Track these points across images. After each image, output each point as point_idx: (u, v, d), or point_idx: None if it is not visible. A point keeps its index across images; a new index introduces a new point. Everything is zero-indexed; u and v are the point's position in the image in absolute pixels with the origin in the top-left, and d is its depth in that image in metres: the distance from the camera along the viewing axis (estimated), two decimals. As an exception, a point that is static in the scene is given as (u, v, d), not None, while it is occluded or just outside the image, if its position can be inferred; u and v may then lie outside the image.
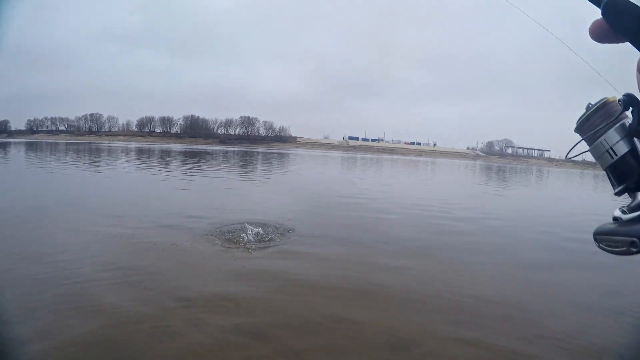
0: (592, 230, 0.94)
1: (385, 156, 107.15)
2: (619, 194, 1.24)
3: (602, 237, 0.97)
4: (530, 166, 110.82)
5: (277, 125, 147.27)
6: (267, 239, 9.24)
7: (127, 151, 59.45)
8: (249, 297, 6.08)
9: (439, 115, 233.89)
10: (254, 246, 8.65)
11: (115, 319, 5.07)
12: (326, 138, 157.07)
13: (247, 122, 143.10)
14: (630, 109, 0.96)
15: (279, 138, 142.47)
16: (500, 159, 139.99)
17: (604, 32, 0.93)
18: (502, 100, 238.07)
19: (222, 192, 18.37)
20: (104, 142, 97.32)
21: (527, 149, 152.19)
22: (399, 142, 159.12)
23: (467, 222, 13.41)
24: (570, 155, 1.24)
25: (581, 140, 1.14)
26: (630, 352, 5.35)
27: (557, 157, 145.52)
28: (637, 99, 0.93)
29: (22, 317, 5.07)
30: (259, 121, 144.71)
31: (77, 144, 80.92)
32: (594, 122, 1.09)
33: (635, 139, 0.98)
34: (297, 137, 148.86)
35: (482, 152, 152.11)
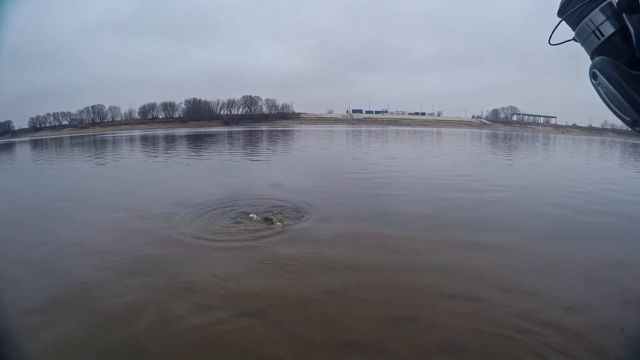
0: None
1: (390, 127, 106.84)
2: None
3: None
4: (536, 133, 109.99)
5: (279, 102, 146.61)
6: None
7: (131, 140, 59.57)
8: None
9: (443, 84, 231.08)
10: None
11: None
12: (330, 112, 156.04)
13: (250, 101, 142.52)
14: None
15: (283, 115, 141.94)
16: (506, 126, 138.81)
17: None
18: (506, 68, 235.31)
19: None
20: (108, 133, 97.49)
21: (533, 115, 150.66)
22: (403, 113, 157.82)
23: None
24: (552, 42, 1.23)
25: (560, 21, 1.12)
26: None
27: (564, 124, 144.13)
28: None
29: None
30: (261, 99, 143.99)
31: (81, 136, 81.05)
32: (577, 1, 1.04)
33: (624, 15, 0.94)
34: (301, 113, 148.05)
35: (487, 120, 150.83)
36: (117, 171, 22.05)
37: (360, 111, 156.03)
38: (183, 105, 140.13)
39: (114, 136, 75.43)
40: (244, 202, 11.13)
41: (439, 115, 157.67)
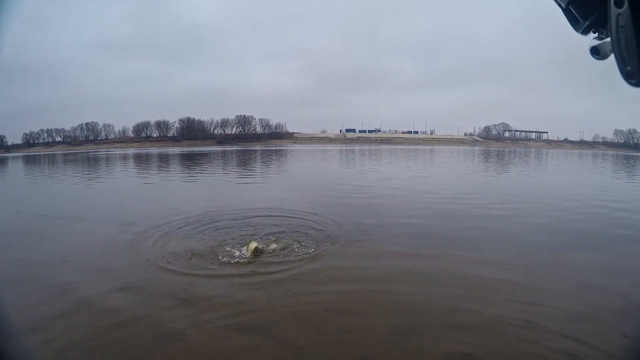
0: None
1: (384, 146, 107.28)
2: (585, 31, 1.23)
3: None
4: (529, 149, 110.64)
5: (273, 122, 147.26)
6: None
7: (126, 158, 59.45)
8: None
9: (434, 103, 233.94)
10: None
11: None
12: (323, 132, 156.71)
13: (243, 120, 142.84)
14: None
15: (276, 135, 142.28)
16: (499, 142, 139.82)
17: None
18: (496, 85, 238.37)
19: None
20: (102, 150, 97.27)
21: (525, 131, 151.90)
22: (396, 132, 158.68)
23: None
24: None
25: None
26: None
27: (555, 139, 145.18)
28: None
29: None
30: (255, 119, 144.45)
31: (75, 154, 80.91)
32: None
33: None
34: (294, 133, 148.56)
35: (479, 137, 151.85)
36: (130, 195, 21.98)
37: (353, 130, 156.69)
38: (177, 124, 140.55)
39: (107, 154, 75.32)
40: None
41: (431, 133, 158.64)
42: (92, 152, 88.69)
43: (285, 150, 79.78)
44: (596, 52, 1.21)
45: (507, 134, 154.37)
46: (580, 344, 4.93)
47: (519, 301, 6.25)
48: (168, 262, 8.00)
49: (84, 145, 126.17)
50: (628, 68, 1.04)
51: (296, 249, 8.76)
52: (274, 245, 8.91)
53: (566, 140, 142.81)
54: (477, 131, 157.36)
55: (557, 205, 15.18)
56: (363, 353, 4.84)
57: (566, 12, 1.27)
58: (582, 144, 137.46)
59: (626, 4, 0.91)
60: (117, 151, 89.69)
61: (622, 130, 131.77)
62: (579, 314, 5.82)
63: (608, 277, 7.49)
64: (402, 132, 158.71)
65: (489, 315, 5.73)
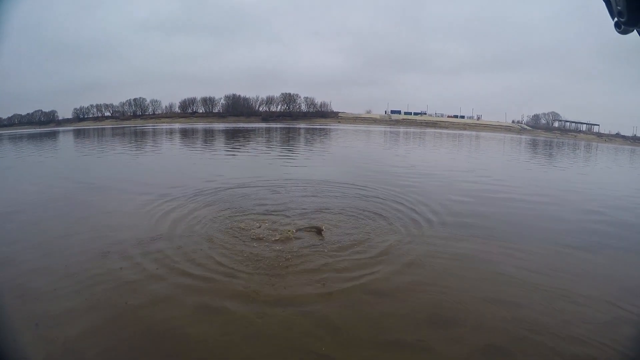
0: None
1: (429, 130, 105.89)
2: (630, 22, 1.26)
3: None
4: (578, 141, 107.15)
5: (318, 100, 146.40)
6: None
7: (186, 133, 60.49)
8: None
9: (481, 87, 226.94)
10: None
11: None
12: (368, 112, 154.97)
13: (288, 98, 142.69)
14: None
15: (321, 114, 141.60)
16: (547, 132, 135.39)
17: None
18: (544, 72, 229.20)
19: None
20: (149, 125, 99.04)
21: (575, 122, 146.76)
22: (442, 115, 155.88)
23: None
24: None
25: None
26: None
27: (607, 132, 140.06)
28: None
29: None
30: (300, 97, 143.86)
31: (122, 128, 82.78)
32: None
33: None
34: (339, 112, 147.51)
35: (527, 125, 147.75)
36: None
37: (398, 112, 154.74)
38: (222, 101, 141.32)
39: (154, 128, 76.85)
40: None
41: (478, 118, 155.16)
42: (140, 126, 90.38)
43: (329, 129, 79.46)
44: (618, 26, 1.32)
45: (556, 124, 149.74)
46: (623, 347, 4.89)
47: (558, 297, 6.19)
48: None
49: (132, 120, 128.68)
50: (619, 7, 1.19)
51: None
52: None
53: (618, 135, 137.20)
54: (525, 119, 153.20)
55: None
56: (399, 337, 4.86)
57: (606, 1, 1.33)
58: (634, 139, 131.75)
59: None
60: (164, 126, 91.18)
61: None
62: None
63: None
64: (448, 116, 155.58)
65: (526, 310, 5.71)
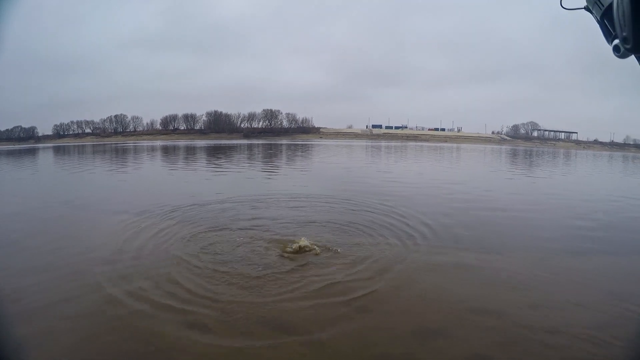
0: None
1: (410, 143, 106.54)
2: (634, 49, 1.28)
3: None
4: (558, 149, 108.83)
5: (300, 116, 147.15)
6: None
7: (168, 150, 60.10)
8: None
9: (461, 100, 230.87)
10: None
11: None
12: (349, 127, 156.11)
13: (270, 114, 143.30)
14: None
15: (303, 129, 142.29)
16: (527, 142, 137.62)
17: None
18: (523, 84, 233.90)
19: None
20: (130, 142, 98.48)
21: (554, 131, 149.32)
22: (423, 129, 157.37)
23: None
24: (565, 6, 1.38)
25: None
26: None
27: (585, 139, 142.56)
28: None
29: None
30: (281, 113, 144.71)
31: (103, 145, 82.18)
32: None
33: None
34: (321, 128, 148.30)
35: (507, 136, 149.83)
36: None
37: (379, 126, 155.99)
38: (204, 118, 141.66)
39: (135, 145, 76.36)
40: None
41: (458, 131, 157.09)
42: (120, 144, 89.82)
43: (311, 145, 79.72)
44: (617, 50, 1.32)
45: (535, 134, 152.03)
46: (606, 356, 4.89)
47: (544, 305, 6.19)
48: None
49: (113, 137, 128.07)
50: (624, 34, 1.18)
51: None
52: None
53: (596, 142, 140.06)
54: (505, 130, 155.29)
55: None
56: (385, 351, 4.79)
57: (601, 24, 1.36)
58: (612, 145, 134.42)
59: None
60: (145, 143, 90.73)
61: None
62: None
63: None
64: (429, 129, 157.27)
65: (513, 318, 5.71)
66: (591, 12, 1.38)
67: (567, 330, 5.37)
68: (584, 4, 1.33)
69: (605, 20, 1.30)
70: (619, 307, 6.20)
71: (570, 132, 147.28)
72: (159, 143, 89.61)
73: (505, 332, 5.32)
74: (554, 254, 8.85)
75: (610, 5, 1.21)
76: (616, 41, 1.33)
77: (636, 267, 8.50)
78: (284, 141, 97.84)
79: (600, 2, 1.21)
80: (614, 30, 1.29)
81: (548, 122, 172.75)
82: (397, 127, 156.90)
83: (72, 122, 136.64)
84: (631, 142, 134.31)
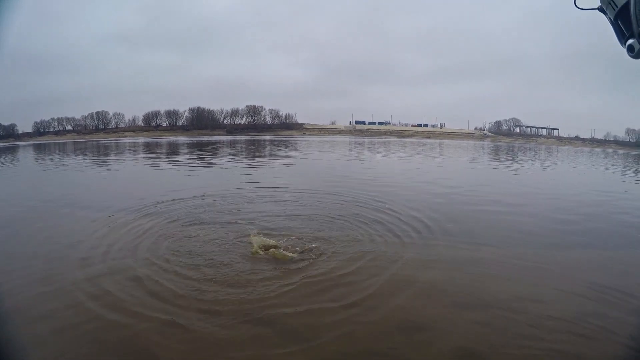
0: None
1: (394, 139, 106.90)
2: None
3: None
4: (539, 145, 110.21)
5: (283, 112, 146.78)
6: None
7: (150, 146, 59.60)
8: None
9: (444, 96, 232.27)
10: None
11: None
12: (333, 123, 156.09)
13: (253, 110, 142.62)
14: None
15: (286, 125, 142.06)
16: (509, 138, 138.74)
17: None
18: (505, 80, 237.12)
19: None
20: (111, 139, 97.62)
21: (536, 127, 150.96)
22: (406, 125, 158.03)
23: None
24: (579, 5, 1.38)
25: None
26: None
27: (566, 136, 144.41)
28: None
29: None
30: (264, 109, 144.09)
31: (85, 142, 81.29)
32: None
33: None
34: (304, 124, 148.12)
35: (490, 132, 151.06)
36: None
37: (363, 122, 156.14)
38: (187, 114, 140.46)
39: (117, 142, 75.69)
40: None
41: (441, 127, 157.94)
42: (102, 140, 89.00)
43: (294, 140, 79.68)
44: (632, 49, 1.31)
45: (517, 130, 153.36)
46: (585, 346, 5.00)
47: (528, 298, 6.29)
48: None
49: (94, 134, 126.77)
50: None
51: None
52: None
53: (577, 138, 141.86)
54: (487, 126, 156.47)
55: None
56: (369, 346, 4.81)
57: (614, 25, 1.35)
58: (593, 141, 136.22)
59: None
60: (127, 140, 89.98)
61: (634, 130, 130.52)
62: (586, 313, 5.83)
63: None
64: (412, 125, 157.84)
65: (498, 310, 5.81)
66: (605, 13, 1.35)
67: (551, 321, 5.48)
68: (598, 4, 1.32)
69: (619, 20, 1.29)
70: (600, 298, 6.35)
71: (551, 129, 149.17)
72: (141, 140, 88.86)
73: (490, 325, 5.38)
74: (537, 248, 9.02)
75: (625, 5, 1.20)
76: (631, 41, 1.31)
77: (616, 259, 8.62)
78: (268, 137, 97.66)
79: (615, 3, 1.19)
80: (628, 30, 1.27)
81: (530, 118, 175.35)
82: (380, 123, 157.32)
83: (52, 119, 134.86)
84: (611, 139, 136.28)
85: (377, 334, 5.07)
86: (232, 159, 32.98)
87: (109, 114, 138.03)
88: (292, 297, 6.03)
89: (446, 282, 6.85)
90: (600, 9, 1.38)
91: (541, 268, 7.62)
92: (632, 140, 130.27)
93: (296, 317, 5.43)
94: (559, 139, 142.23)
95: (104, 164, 29.66)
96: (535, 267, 7.67)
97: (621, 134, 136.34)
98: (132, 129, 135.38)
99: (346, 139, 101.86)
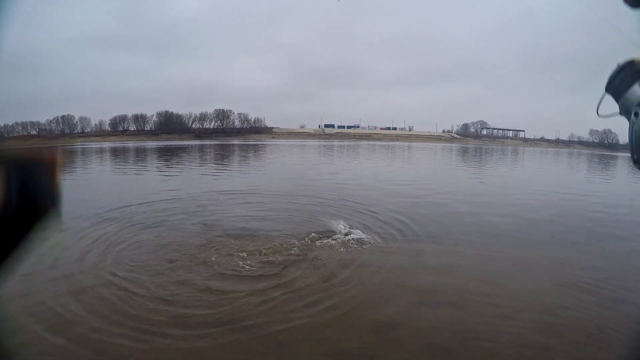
0: None
1: (363, 142, 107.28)
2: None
3: None
4: (506, 146, 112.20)
5: (252, 116, 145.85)
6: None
7: (117, 152, 58.54)
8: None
9: (413, 100, 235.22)
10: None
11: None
12: (302, 127, 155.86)
13: (222, 115, 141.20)
14: None
15: (255, 129, 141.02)
16: (476, 140, 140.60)
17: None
18: (473, 84, 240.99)
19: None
20: (77, 144, 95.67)
21: (502, 129, 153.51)
22: (375, 128, 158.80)
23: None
24: (601, 113, 1.38)
25: (604, 95, 1.29)
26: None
27: (532, 137, 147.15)
28: None
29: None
30: (233, 113, 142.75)
31: (51, 147, 79.41)
32: (623, 77, 1.23)
33: None
34: (273, 128, 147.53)
35: (457, 134, 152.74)
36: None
37: (332, 126, 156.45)
38: (155, 118, 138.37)
39: (83, 147, 74.19)
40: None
41: (410, 129, 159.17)
42: (68, 146, 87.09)
43: (263, 145, 79.23)
44: (636, 115, 1.32)
45: (484, 132, 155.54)
46: (554, 337, 5.19)
47: (496, 294, 6.49)
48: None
49: (60, 139, 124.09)
50: (635, 156, 1.28)
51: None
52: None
53: (542, 139, 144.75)
54: (455, 128, 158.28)
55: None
56: (342, 346, 4.88)
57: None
58: (558, 142, 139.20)
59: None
60: (94, 145, 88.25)
61: (597, 130, 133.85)
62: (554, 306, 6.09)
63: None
64: (381, 128, 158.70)
65: (467, 307, 5.99)
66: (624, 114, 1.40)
67: (518, 315, 5.70)
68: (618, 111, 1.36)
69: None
70: (568, 292, 6.66)
71: (518, 130, 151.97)
72: (107, 145, 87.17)
73: (459, 321, 5.52)
74: (504, 247, 9.25)
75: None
76: None
77: (580, 255, 8.96)
78: (236, 141, 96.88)
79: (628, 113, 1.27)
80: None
81: (496, 121, 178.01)
82: (349, 127, 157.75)
83: (16, 123, 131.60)
84: (575, 139, 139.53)
85: (348, 334, 5.17)
86: (199, 164, 32.67)
87: (74, 118, 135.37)
88: (265, 302, 6.05)
89: (415, 280, 7.04)
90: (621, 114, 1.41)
91: (509, 265, 7.87)
92: (596, 141, 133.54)
93: (269, 322, 5.44)
94: (525, 140, 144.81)
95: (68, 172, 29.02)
96: (503, 264, 7.95)
97: (585, 135, 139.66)
98: (99, 133, 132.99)
99: (315, 142, 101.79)
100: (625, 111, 1.29)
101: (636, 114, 1.25)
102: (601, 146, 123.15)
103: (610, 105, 1.33)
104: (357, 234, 9.56)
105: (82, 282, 6.65)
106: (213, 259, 7.71)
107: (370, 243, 9.08)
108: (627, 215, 13.83)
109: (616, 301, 6.44)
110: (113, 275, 6.95)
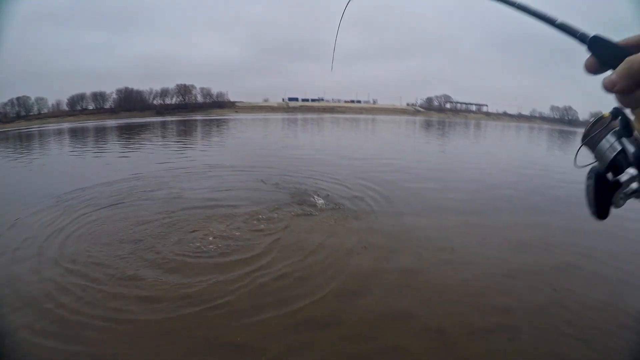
0: None
1: (327, 115, 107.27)
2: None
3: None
4: (469, 120, 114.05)
5: (215, 91, 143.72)
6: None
7: (75, 132, 57.09)
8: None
9: (377, 74, 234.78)
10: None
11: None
12: (266, 101, 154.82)
13: (184, 90, 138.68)
14: (619, 117, 1.19)
15: (218, 104, 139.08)
16: (440, 114, 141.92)
17: (594, 66, 1.10)
18: (436, 59, 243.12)
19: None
20: (34, 127, 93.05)
21: (466, 103, 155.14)
22: (339, 101, 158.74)
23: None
24: (578, 164, 1.41)
25: (581, 146, 1.34)
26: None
27: (495, 112, 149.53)
28: (622, 111, 1.16)
29: None
30: (195, 88, 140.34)
31: (7, 132, 76.99)
32: (595, 130, 1.31)
33: (623, 139, 1.20)
34: (236, 102, 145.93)
35: (421, 107, 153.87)
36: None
37: (296, 99, 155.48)
38: (114, 96, 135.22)
39: (40, 130, 72.14)
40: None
41: (374, 103, 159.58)
42: (24, 129, 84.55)
43: (226, 119, 78.37)
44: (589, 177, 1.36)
45: (448, 106, 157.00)
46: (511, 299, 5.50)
47: (457, 260, 6.80)
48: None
49: (15, 122, 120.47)
50: (590, 210, 1.26)
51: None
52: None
53: (505, 114, 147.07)
54: (419, 102, 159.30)
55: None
56: (311, 315, 5.07)
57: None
58: (519, 117, 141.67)
59: (593, 180, 1.24)
60: (51, 127, 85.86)
61: (558, 107, 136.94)
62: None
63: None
64: (345, 101, 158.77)
65: (429, 274, 6.28)
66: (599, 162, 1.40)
67: (478, 280, 6.00)
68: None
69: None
70: (521, 256, 7.04)
71: (480, 105, 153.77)
72: (66, 125, 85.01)
73: (423, 288, 5.77)
74: (464, 214, 9.60)
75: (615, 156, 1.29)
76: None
77: (532, 220, 9.43)
78: (199, 117, 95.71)
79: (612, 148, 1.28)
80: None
81: (461, 95, 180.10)
82: (313, 100, 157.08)
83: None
84: (537, 115, 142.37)
85: (314, 303, 5.32)
86: (160, 141, 32.07)
87: (30, 99, 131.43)
88: (230, 278, 6.07)
89: (378, 249, 7.22)
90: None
91: (468, 232, 8.09)
92: (556, 117, 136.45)
93: (236, 297, 5.51)
94: (488, 114, 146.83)
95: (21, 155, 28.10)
96: (462, 232, 8.26)
97: (546, 111, 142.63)
98: (56, 114, 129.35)
99: (279, 116, 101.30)
100: (599, 161, 1.33)
101: (589, 176, 1.32)
102: (561, 122, 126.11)
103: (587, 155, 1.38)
104: (320, 203, 9.63)
105: (42, 271, 6.42)
106: (175, 238, 7.59)
107: (326, 210, 9.40)
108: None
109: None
110: (73, 262, 6.69)
